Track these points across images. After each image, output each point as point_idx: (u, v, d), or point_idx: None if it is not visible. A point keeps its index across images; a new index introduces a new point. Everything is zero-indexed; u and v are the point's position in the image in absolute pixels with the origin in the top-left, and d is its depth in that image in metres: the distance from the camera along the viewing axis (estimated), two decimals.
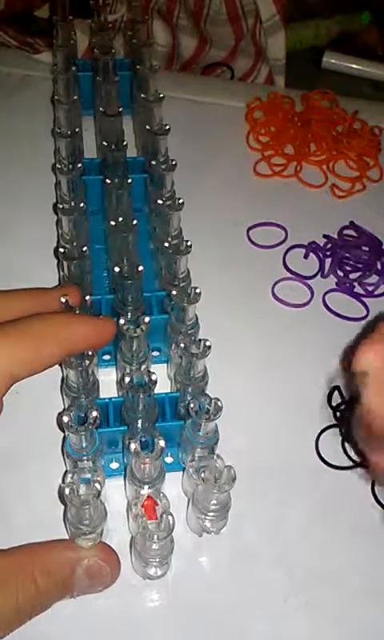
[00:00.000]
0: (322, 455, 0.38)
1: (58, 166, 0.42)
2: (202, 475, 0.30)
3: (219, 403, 0.31)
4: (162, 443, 0.30)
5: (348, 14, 0.76)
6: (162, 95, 0.47)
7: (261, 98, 0.59)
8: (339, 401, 0.40)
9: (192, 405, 0.32)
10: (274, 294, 0.46)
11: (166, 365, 0.39)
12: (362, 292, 0.46)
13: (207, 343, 0.33)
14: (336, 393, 0.41)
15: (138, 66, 0.50)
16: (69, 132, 0.43)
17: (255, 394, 0.38)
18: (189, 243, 0.37)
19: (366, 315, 0.45)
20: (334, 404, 0.40)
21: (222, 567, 0.34)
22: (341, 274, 0.47)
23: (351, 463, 0.38)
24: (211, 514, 0.31)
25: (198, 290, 0.35)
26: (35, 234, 0.47)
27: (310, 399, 0.40)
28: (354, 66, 0.72)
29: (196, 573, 0.33)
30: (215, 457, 0.31)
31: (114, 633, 0.31)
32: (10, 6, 0.68)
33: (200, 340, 0.34)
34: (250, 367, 0.41)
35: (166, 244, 0.38)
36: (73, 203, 0.39)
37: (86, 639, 0.31)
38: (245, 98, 0.59)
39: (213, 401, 0.31)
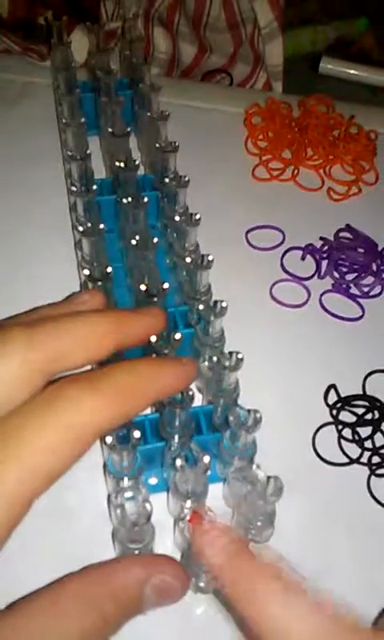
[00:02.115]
0: (319, 452, 0.39)
1: (72, 188, 0.43)
2: (247, 488, 0.31)
3: (258, 415, 0.32)
4: (206, 459, 0.30)
5: (345, 20, 0.77)
6: (167, 113, 0.47)
7: (259, 103, 0.60)
8: (335, 399, 0.41)
9: (231, 417, 0.32)
10: (272, 295, 0.47)
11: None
12: (357, 293, 0.47)
13: (239, 356, 0.34)
14: (332, 391, 0.42)
15: (139, 85, 0.50)
16: (79, 156, 0.43)
17: (253, 393, 0.38)
18: (210, 258, 0.38)
19: (362, 316, 0.46)
20: (330, 402, 0.41)
21: None
22: (337, 275, 0.48)
23: (347, 460, 0.39)
24: (259, 524, 0.31)
25: (224, 304, 0.36)
26: (52, 243, 0.48)
27: (307, 397, 0.41)
28: (351, 71, 0.73)
29: None
30: (255, 467, 0.31)
31: None
32: (12, 13, 0.69)
33: (232, 353, 0.34)
34: (247, 366, 0.42)
35: (189, 259, 0.38)
36: (89, 224, 0.39)
37: None
38: (243, 104, 0.60)
39: (252, 412, 0.32)
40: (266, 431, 0.38)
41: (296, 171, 0.55)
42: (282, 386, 0.42)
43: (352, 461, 0.39)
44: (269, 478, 0.30)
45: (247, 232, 0.50)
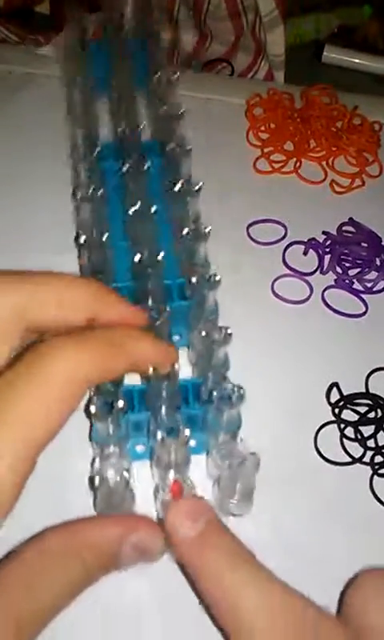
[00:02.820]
0: (321, 451, 0.39)
1: (75, 154, 0.43)
2: (227, 462, 0.31)
3: (242, 391, 0.33)
4: (186, 432, 0.31)
5: (348, 7, 0.76)
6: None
7: (261, 94, 0.59)
8: (338, 397, 0.41)
9: (215, 392, 0.33)
10: (273, 291, 0.46)
11: (187, 349, 0.40)
12: (360, 288, 0.46)
13: (228, 331, 0.34)
14: (335, 389, 0.41)
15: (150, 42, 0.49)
16: (84, 116, 0.43)
17: (253, 390, 0.38)
18: (208, 229, 0.38)
19: (365, 311, 0.45)
20: (332, 400, 0.41)
21: None
22: (340, 270, 0.47)
23: (350, 459, 0.38)
24: (237, 496, 0.33)
25: (218, 278, 0.36)
26: (53, 222, 0.48)
27: (309, 395, 0.41)
28: (355, 60, 0.72)
29: None
30: (239, 441, 0.32)
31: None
32: (9, 2, 0.68)
33: (221, 328, 0.35)
34: (248, 363, 0.41)
35: (185, 231, 0.38)
36: (92, 190, 0.39)
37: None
38: (245, 95, 0.59)
39: (235, 387, 0.33)
40: (266, 430, 0.38)
41: (298, 163, 0.54)
42: (283, 383, 0.41)
43: (354, 460, 0.38)
44: (250, 454, 0.31)
45: (248, 226, 0.50)
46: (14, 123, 0.56)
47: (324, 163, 0.55)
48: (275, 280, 0.47)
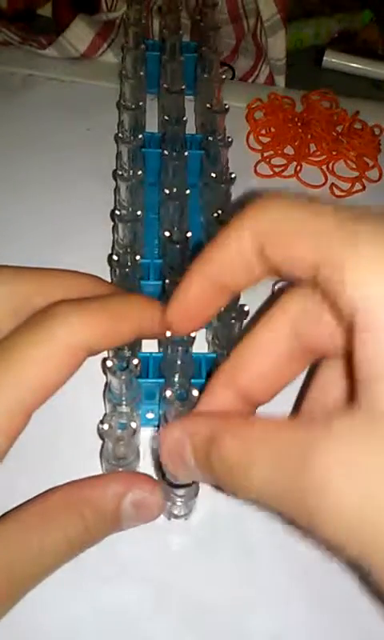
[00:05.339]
0: None
1: (119, 135, 0.44)
2: None
3: None
4: (195, 392, 0.31)
5: (349, 12, 0.76)
6: (224, 77, 0.51)
7: (261, 98, 0.59)
8: None
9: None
10: (274, 293, 0.46)
11: (205, 330, 0.42)
12: None
13: (245, 308, 0.35)
14: None
15: (203, 48, 0.53)
16: (133, 105, 0.46)
17: None
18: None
19: None
20: None
21: (224, 564, 0.34)
22: None
23: None
24: None
25: None
26: (49, 224, 0.49)
27: None
28: (355, 64, 0.72)
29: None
30: None
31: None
32: (12, 4, 0.69)
33: (238, 305, 0.36)
34: None
35: (215, 215, 0.40)
36: (132, 172, 0.41)
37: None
38: (245, 99, 0.59)
39: None
40: None
41: (299, 167, 0.55)
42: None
43: None
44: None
45: None
46: (16, 124, 0.56)
47: (324, 167, 0.55)
48: (276, 283, 0.47)
